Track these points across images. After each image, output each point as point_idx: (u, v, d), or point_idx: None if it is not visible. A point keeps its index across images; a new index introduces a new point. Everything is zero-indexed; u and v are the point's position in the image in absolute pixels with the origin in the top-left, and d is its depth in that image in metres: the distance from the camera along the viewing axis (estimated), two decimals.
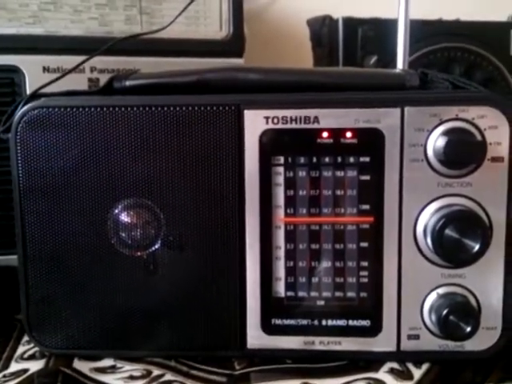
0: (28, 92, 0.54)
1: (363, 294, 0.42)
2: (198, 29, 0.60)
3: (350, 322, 0.42)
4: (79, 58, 0.52)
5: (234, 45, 0.60)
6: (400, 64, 0.55)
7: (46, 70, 0.56)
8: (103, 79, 0.55)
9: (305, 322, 0.42)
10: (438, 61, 0.71)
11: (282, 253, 0.42)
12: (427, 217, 0.40)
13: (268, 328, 0.42)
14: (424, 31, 0.68)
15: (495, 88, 0.72)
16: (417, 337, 0.41)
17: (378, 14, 0.69)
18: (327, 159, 0.41)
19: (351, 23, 0.70)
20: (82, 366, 0.42)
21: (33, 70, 0.55)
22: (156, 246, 0.42)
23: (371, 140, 0.40)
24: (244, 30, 0.61)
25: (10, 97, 0.54)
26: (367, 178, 0.41)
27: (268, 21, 0.84)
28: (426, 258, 0.41)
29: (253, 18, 0.74)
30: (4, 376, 0.41)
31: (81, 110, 0.41)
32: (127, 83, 0.45)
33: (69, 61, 0.54)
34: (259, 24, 0.82)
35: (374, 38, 0.69)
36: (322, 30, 0.73)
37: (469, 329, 0.39)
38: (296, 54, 0.74)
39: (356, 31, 0.70)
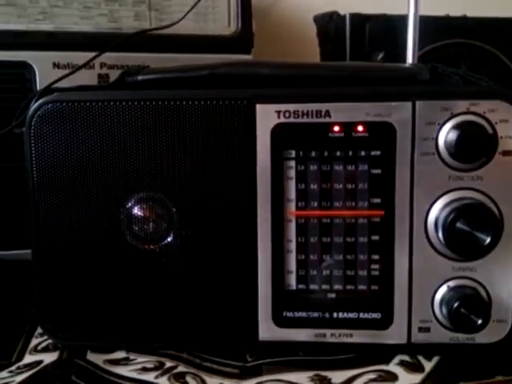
0: (38, 88, 0.54)
1: (374, 287, 0.42)
2: (207, 25, 0.61)
3: (361, 315, 0.42)
4: (89, 54, 0.53)
5: (242, 41, 0.61)
6: (410, 58, 0.55)
7: (55, 65, 0.56)
8: (113, 75, 0.56)
9: (316, 314, 0.42)
10: (445, 57, 0.71)
11: (293, 246, 0.42)
12: (438, 210, 0.40)
13: (279, 320, 0.42)
14: (431, 27, 0.68)
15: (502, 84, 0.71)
16: (427, 329, 0.42)
17: (386, 10, 0.69)
18: (338, 153, 0.41)
19: (358, 19, 0.70)
20: (96, 357, 0.42)
21: (43, 66, 0.55)
22: (168, 239, 0.42)
23: (382, 134, 0.40)
24: (252, 26, 0.61)
25: (21, 92, 0.54)
26: (378, 171, 0.41)
27: (276, 17, 0.85)
28: (437, 251, 0.41)
29: (261, 14, 0.75)
30: (18, 368, 0.41)
31: (94, 104, 0.41)
32: (139, 78, 0.45)
33: (78, 57, 0.54)
34: (267, 20, 0.82)
35: (381, 34, 0.69)
36: (329, 26, 0.73)
37: (480, 321, 0.39)
38: (303, 50, 0.75)
39: (363, 27, 0.70)
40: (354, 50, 0.70)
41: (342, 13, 0.71)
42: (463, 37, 0.72)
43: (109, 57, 0.56)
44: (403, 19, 0.60)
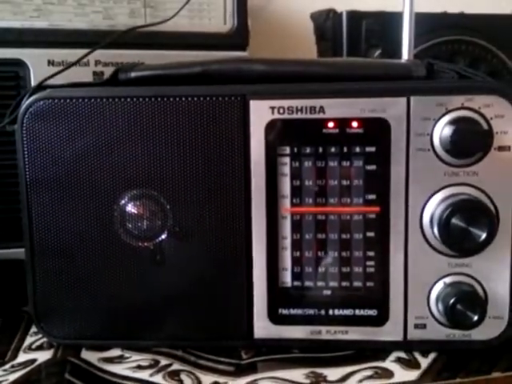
0: (33, 85, 0.54)
1: (370, 284, 0.42)
2: (202, 22, 0.60)
3: (357, 312, 0.42)
4: (84, 52, 0.52)
5: (237, 38, 0.60)
6: (406, 55, 0.55)
7: (50, 63, 0.56)
8: (108, 72, 0.55)
9: (311, 311, 0.42)
10: (443, 54, 0.71)
11: (288, 243, 0.42)
12: (434, 206, 0.40)
13: (275, 318, 0.42)
14: (428, 24, 0.68)
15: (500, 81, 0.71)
16: (423, 326, 0.41)
17: (382, 7, 0.68)
18: (333, 149, 0.41)
19: (355, 16, 0.69)
20: (90, 356, 0.42)
21: (37, 64, 0.55)
22: (162, 237, 0.42)
23: (377, 130, 0.40)
24: (248, 24, 0.61)
25: (15, 90, 0.54)
26: (373, 167, 0.41)
27: (272, 14, 0.84)
28: (433, 248, 0.41)
29: (257, 12, 0.74)
30: (12, 366, 0.41)
31: (86, 101, 0.41)
32: (132, 74, 0.45)
33: (73, 54, 0.54)
34: (263, 17, 0.82)
35: (378, 31, 0.69)
36: (325, 23, 0.73)
37: (476, 317, 0.39)
38: (300, 48, 0.74)
39: (360, 24, 0.69)
40: (351, 47, 0.70)
41: (338, 10, 0.71)
42: (461, 34, 0.71)
43: (104, 54, 0.55)
44: (400, 16, 0.60)
